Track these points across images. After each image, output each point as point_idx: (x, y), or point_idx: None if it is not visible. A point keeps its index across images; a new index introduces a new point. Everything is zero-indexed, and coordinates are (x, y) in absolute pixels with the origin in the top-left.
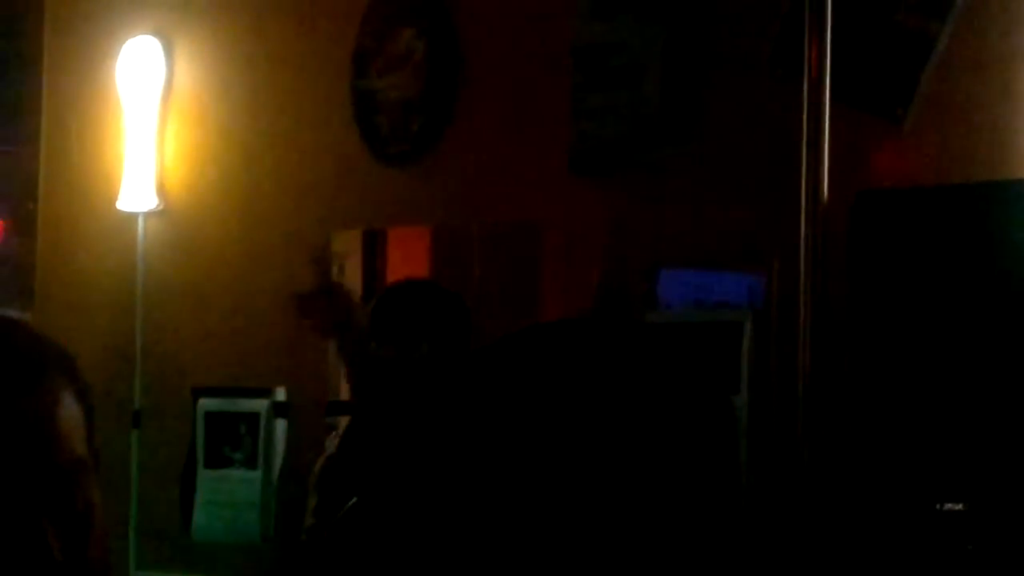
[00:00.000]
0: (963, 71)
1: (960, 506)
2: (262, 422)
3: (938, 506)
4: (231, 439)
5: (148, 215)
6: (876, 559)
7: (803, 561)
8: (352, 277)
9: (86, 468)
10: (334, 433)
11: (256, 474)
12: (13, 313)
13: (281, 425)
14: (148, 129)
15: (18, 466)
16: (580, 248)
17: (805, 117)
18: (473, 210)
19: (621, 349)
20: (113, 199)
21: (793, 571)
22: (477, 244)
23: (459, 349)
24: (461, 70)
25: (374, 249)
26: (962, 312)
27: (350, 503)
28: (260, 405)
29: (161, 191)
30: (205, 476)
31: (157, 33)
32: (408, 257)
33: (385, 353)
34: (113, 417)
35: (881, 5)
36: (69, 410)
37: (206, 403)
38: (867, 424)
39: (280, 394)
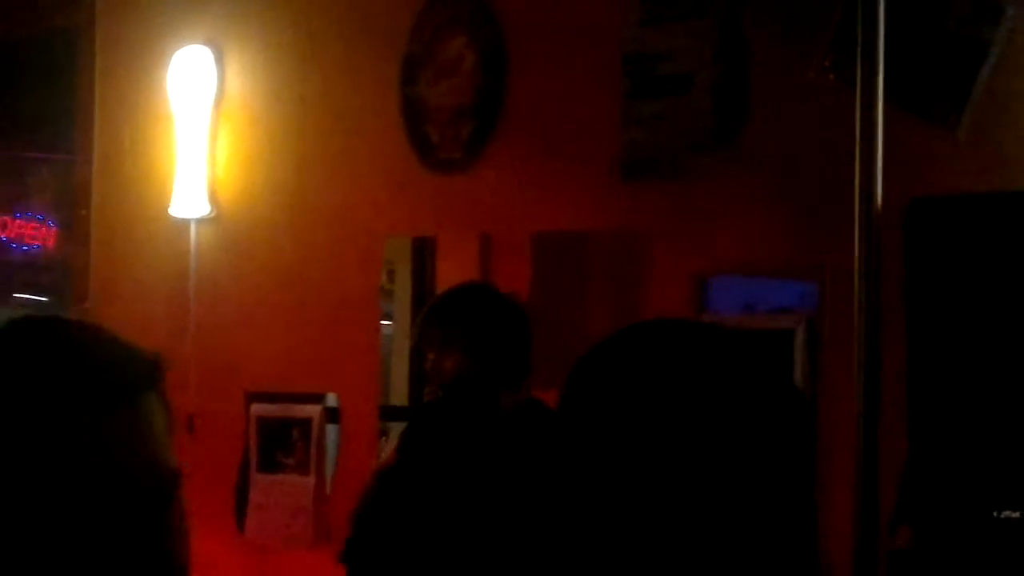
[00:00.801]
0: (1019, 76)
1: (1018, 514)
2: (314, 427)
3: (996, 514)
4: (283, 444)
5: (200, 221)
6: (934, 566)
7: (860, 570)
8: (402, 283)
9: (181, 477)
10: (385, 438)
11: (308, 479)
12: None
13: (333, 430)
14: (200, 137)
15: (128, 484)
16: (629, 255)
17: (859, 123)
18: (522, 217)
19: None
20: (165, 206)
21: None
22: (526, 251)
23: (520, 356)
24: (510, 78)
25: (423, 256)
26: (1019, 320)
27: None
28: (312, 411)
29: (213, 198)
30: (258, 481)
31: (208, 42)
32: (457, 264)
33: (444, 365)
34: None
35: (932, 12)
36: (162, 422)
37: (259, 408)
38: (924, 432)
39: (332, 400)
